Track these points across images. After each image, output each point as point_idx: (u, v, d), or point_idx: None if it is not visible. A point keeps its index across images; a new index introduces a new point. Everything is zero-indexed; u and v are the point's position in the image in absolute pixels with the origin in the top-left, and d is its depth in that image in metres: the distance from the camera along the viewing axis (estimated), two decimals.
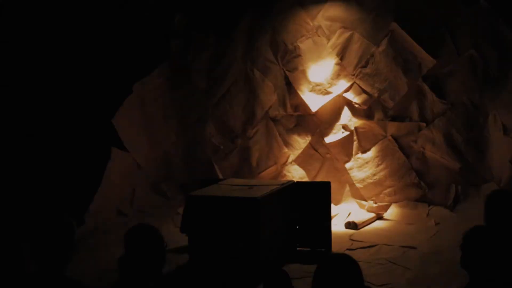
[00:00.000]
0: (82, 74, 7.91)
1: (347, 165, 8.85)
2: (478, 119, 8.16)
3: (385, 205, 8.36)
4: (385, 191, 8.59)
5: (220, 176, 9.28)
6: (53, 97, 7.53)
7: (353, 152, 8.84)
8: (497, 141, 7.86)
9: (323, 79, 8.90)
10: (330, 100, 8.92)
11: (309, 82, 8.98)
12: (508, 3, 7.73)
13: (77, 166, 7.85)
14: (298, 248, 6.64)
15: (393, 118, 8.63)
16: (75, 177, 7.80)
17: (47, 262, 2.73)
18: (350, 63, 8.80)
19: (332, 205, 7.34)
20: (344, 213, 8.26)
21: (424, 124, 8.47)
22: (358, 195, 8.74)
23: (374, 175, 8.68)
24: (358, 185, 8.76)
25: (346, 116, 8.87)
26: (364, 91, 8.73)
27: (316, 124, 9.06)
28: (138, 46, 8.88)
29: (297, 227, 6.63)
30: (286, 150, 9.21)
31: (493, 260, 2.58)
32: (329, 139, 8.96)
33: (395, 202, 8.45)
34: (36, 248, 2.74)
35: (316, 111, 9.00)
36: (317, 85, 8.94)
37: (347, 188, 8.83)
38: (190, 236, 5.97)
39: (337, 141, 8.92)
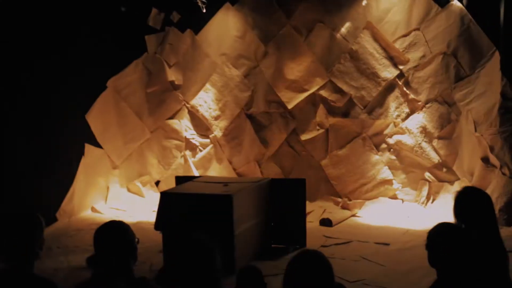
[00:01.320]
0: (56, 69, 7.78)
1: (323, 162, 8.90)
2: (450, 117, 8.27)
3: (359, 202, 8.42)
4: (360, 188, 8.65)
5: (195, 173, 9.25)
6: (26, 93, 7.39)
7: (329, 150, 8.89)
8: (468, 138, 7.98)
9: (299, 76, 8.92)
10: (305, 98, 8.94)
11: (285, 79, 9.00)
12: (480, 3, 7.83)
13: (50, 163, 7.73)
14: (272, 245, 6.65)
15: (368, 116, 8.70)
16: (48, 174, 7.69)
17: (13, 260, 2.67)
18: (326, 61, 8.83)
19: (307, 202, 7.36)
20: (319, 210, 8.29)
21: (399, 122, 8.56)
22: (333, 192, 8.78)
23: (349, 172, 8.74)
24: (333, 182, 8.81)
25: (321, 114, 8.91)
26: (340, 89, 8.78)
27: (291, 121, 9.08)
28: (113, 41, 8.78)
29: (272, 224, 6.64)
30: (261, 147, 9.21)
31: (458, 256, 2.61)
32: (304, 136, 9.00)
33: (369, 199, 8.52)
34: (1, 245, 2.69)
35: (292, 108, 9.03)
36: (293, 82, 8.95)
37: (322, 185, 8.87)
38: (164, 233, 5.93)
39: (312, 138, 8.96)
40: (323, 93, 8.86)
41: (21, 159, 7.27)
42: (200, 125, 9.53)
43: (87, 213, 8.47)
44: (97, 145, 8.93)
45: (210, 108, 9.43)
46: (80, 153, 8.59)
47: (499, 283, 3.08)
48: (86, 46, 8.29)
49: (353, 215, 8.14)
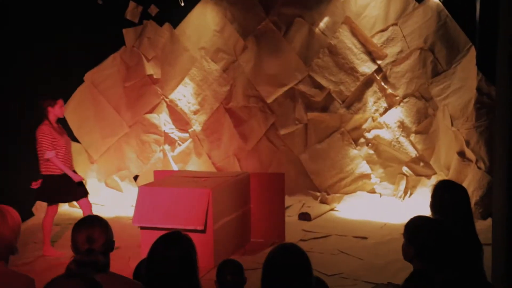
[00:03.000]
0: (32, 62, 7.67)
1: (301, 157, 8.93)
2: (427, 111, 8.36)
3: (337, 196, 8.48)
4: (338, 183, 8.71)
5: (174, 168, 9.21)
6: (2, 86, 7.27)
7: (307, 144, 8.92)
8: (445, 133, 8.09)
9: (278, 71, 8.92)
10: (284, 92, 8.96)
11: (264, 74, 8.99)
12: None
13: (26, 156, 7.62)
14: (252, 240, 6.67)
15: (346, 111, 8.75)
16: (24, 168, 7.57)
17: None
18: (304, 55, 8.85)
19: (286, 196, 7.39)
20: (298, 204, 8.33)
21: (377, 116, 8.62)
22: (312, 187, 8.82)
23: (328, 166, 8.78)
24: (312, 176, 8.85)
25: (300, 108, 8.93)
26: (318, 84, 8.81)
27: (271, 116, 9.09)
28: (90, 34, 8.67)
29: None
30: (241, 141, 9.20)
31: (433, 247, 2.64)
32: (283, 130, 9.01)
33: (348, 193, 8.58)
34: None
35: (271, 103, 9.03)
36: (272, 77, 8.96)
37: (301, 179, 8.90)
38: (142, 228, 5.90)
39: (291, 132, 8.99)
40: (302, 87, 8.89)
41: None
42: (179, 119, 9.48)
43: (64, 208, 8.37)
44: (75, 139, 8.82)
45: (189, 103, 9.39)
46: None
47: (473, 275, 3.12)
48: (63, 39, 8.18)
49: (332, 209, 8.19)
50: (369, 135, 8.67)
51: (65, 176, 6.04)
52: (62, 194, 6.12)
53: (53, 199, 6.17)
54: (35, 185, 6.07)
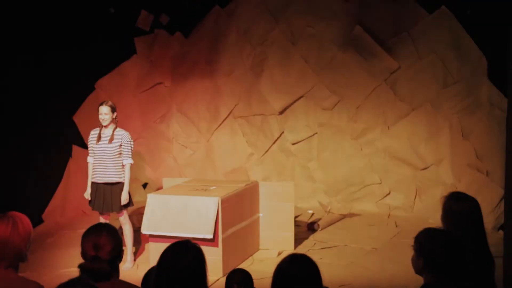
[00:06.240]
0: (44, 70, 7.73)
1: (311, 166, 8.90)
2: (438, 122, 8.31)
3: (347, 205, 8.43)
4: (348, 192, 8.67)
5: (184, 176, 9.22)
6: (14, 93, 7.32)
7: (317, 153, 8.90)
8: (456, 144, 8.03)
9: (288, 80, 8.92)
10: (295, 101, 8.95)
11: (275, 83, 9.00)
12: (468, 9, 7.89)
13: (36, 164, 7.67)
14: (260, 249, 6.65)
15: (357, 120, 8.72)
16: (34, 175, 7.62)
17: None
18: (315, 64, 8.84)
19: (295, 206, 7.34)
20: (307, 213, 8.30)
21: (387, 127, 8.59)
22: (321, 196, 8.79)
23: (337, 176, 8.75)
24: (321, 185, 8.82)
25: (310, 117, 8.92)
26: (329, 93, 8.79)
27: (281, 125, 9.08)
28: (102, 42, 8.73)
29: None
30: (250, 150, 9.20)
31: (445, 261, 2.61)
32: (293, 139, 9.00)
33: (357, 203, 8.53)
34: None
35: (281, 112, 9.03)
36: (282, 86, 8.96)
37: (311, 188, 8.87)
38: (152, 236, 5.91)
39: (301, 141, 8.97)
40: (312, 97, 8.88)
41: (7, 160, 7.19)
42: (189, 127, 9.50)
43: (73, 215, 8.40)
44: (85, 146, 8.85)
45: (199, 111, 9.41)
46: (68, 154, 8.52)
47: None
48: (75, 47, 8.23)
49: (341, 219, 8.15)
50: (379, 145, 8.63)
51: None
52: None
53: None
54: None
